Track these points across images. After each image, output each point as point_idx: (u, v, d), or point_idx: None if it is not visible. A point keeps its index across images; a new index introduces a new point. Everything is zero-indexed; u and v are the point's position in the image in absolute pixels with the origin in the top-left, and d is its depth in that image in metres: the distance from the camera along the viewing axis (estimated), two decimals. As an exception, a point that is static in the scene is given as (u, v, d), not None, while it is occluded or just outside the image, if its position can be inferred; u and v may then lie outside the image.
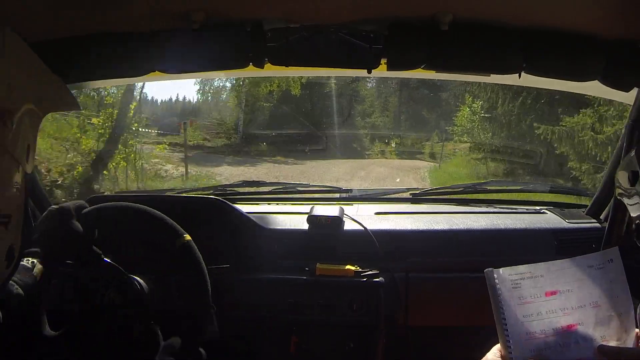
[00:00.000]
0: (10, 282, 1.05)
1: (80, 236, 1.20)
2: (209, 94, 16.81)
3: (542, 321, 0.84)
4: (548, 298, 0.85)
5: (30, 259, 1.12)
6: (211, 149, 12.88)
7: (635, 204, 1.10)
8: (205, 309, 1.21)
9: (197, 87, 16.28)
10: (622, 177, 1.11)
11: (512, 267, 0.86)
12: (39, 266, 1.11)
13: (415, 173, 11.04)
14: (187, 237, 1.23)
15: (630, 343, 0.86)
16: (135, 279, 1.23)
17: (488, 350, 0.90)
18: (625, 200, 1.13)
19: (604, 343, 0.84)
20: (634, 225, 1.24)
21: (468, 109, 11.42)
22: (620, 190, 1.14)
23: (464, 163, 11.41)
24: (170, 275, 1.29)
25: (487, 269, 0.86)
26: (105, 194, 1.53)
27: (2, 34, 0.70)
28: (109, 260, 1.23)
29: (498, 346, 0.87)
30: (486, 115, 10.84)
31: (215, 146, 13.29)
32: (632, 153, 1.09)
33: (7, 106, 0.72)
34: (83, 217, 1.23)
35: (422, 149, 13.87)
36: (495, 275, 0.85)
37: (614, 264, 0.88)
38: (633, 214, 1.13)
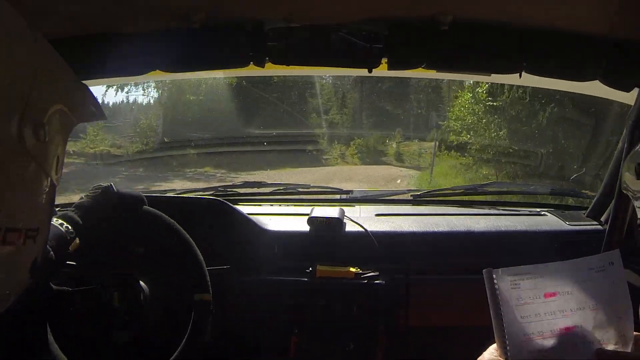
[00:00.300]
0: (47, 246, 1.02)
1: (121, 228, 1.22)
2: (117, 85, 12.86)
3: (541, 322, 0.84)
4: (547, 299, 0.85)
5: (68, 226, 1.09)
6: (118, 159, 10.12)
7: None
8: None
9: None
10: (628, 178, 1.09)
11: (511, 267, 0.86)
12: (76, 241, 1.09)
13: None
14: (208, 297, 1.20)
15: (629, 347, 0.85)
16: (139, 284, 1.23)
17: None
18: (635, 203, 1.10)
19: (603, 346, 0.84)
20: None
21: (469, 95, 9.02)
22: (628, 192, 1.11)
23: (454, 171, 9.36)
24: (172, 277, 1.29)
25: (485, 269, 0.85)
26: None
27: (35, 39, 0.68)
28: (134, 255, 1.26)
29: (495, 346, 0.87)
30: (494, 103, 8.72)
31: (124, 154, 10.23)
32: (637, 147, 1.08)
33: (39, 116, 0.70)
34: (139, 213, 1.23)
35: (386, 150, 12.07)
36: (494, 275, 0.84)
37: (615, 266, 0.87)
38: None
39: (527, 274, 0.86)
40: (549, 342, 0.83)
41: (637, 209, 1.11)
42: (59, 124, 0.75)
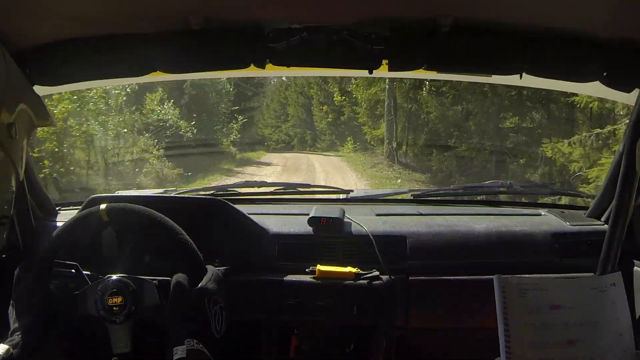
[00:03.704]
0: None
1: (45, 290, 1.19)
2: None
3: (545, 332, 0.85)
4: (551, 312, 0.86)
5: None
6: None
7: None
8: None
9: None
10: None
11: (520, 276, 0.88)
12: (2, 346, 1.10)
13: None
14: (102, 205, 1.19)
15: None
16: (129, 278, 1.22)
17: (488, 352, 0.90)
18: None
19: None
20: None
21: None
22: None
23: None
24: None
25: (495, 275, 0.87)
26: (105, 195, 1.52)
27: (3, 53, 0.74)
28: (88, 273, 1.24)
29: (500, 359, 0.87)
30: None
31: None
32: None
33: (10, 116, 0.78)
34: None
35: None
36: (502, 283, 0.86)
37: (616, 287, 0.90)
38: None
39: (534, 284, 0.88)
40: (552, 354, 0.85)
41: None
42: (23, 123, 0.84)
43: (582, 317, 0.87)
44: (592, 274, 1.29)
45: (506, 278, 0.86)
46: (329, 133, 21.26)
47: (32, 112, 0.88)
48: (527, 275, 0.88)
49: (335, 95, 18.85)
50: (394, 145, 12.27)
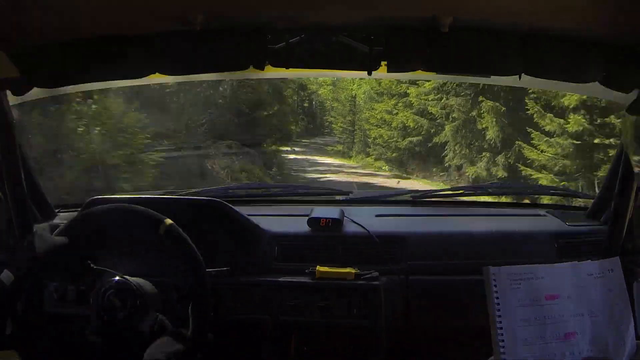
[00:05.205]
0: None
1: (62, 249, 1.20)
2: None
3: (541, 326, 0.82)
4: (548, 302, 0.83)
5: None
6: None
7: None
8: (202, 312, 1.20)
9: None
10: None
11: (512, 266, 0.84)
12: (8, 274, 1.13)
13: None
14: (168, 221, 1.20)
15: (627, 354, 0.84)
16: (132, 280, 1.23)
17: (488, 352, 0.90)
18: None
19: (600, 355, 0.83)
20: None
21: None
22: None
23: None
24: (170, 278, 1.29)
25: (485, 267, 0.83)
26: (105, 196, 1.52)
27: None
28: (97, 267, 1.24)
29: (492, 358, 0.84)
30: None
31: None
32: None
33: None
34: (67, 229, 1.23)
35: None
36: (493, 273, 0.82)
37: (614, 273, 0.87)
38: None
39: (528, 274, 0.84)
40: (548, 349, 0.82)
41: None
42: None
43: (579, 308, 0.83)
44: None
45: (497, 269, 0.82)
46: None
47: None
48: (520, 266, 0.83)
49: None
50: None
